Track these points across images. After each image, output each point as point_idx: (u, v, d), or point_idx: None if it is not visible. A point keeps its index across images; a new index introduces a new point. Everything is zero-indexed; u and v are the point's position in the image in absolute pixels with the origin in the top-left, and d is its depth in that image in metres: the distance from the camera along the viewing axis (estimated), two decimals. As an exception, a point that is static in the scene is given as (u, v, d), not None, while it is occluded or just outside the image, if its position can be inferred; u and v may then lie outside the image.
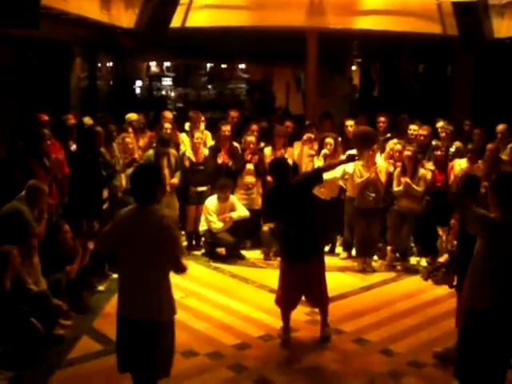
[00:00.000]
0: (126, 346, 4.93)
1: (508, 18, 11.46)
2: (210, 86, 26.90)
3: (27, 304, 6.12)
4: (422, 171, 9.28)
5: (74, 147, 9.20)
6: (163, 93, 25.45)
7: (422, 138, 9.94)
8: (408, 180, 9.14)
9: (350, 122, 10.47)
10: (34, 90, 12.37)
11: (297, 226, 6.74)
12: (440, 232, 9.48)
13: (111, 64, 19.72)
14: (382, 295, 8.46)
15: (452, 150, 10.11)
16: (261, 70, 21.81)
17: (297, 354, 6.60)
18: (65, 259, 7.25)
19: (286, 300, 6.89)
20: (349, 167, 9.49)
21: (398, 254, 9.59)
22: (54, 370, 6.02)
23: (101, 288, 8.14)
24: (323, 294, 6.94)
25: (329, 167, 7.88)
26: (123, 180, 9.26)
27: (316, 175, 7.06)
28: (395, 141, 9.84)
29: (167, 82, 26.80)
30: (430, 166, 9.47)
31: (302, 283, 6.80)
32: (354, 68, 21.71)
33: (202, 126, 10.64)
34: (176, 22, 11.59)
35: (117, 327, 4.98)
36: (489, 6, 11.37)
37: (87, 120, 10.18)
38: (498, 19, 11.55)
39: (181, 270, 5.08)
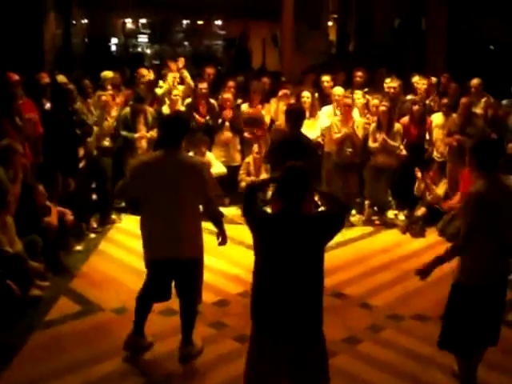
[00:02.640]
0: (164, 284, 5.44)
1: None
2: (186, 43, 26.58)
3: (2, 266, 6.09)
4: (397, 126, 9.26)
5: (47, 106, 9.06)
6: (139, 50, 25.12)
7: (392, 90, 9.90)
8: (384, 136, 9.11)
9: (326, 78, 10.41)
10: (6, 48, 12.13)
11: None
12: (418, 174, 9.44)
13: (86, 21, 19.42)
14: (360, 249, 8.51)
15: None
16: (237, 26, 21.51)
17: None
18: (39, 220, 7.18)
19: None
20: (325, 122, 9.48)
21: (376, 208, 9.63)
22: (31, 332, 6.00)
23: (78, 248, 8.11)
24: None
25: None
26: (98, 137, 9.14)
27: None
28: (359, 92, 9.85)
29: (143, 39, 26.47)
30: (404, 120, 9.47)
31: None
32: (330, 24, 21.52)
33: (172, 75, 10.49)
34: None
35: (152, 270, 5.42)
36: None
37: (61, 78, 10.01)
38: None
39: (217, 213, 5.63)
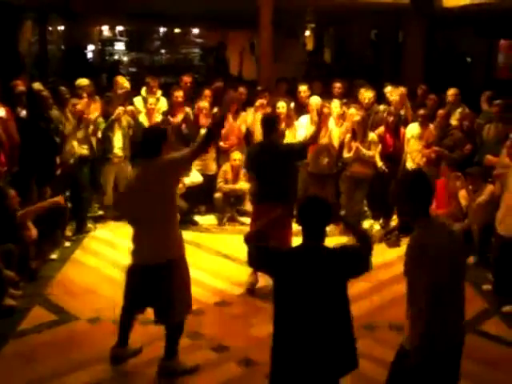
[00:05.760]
0: (143, 290, 5.37)
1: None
2: (163, 51, 26.58)
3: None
4: (371, 135, 9.31)
5: (23, 113, 8.99)
6: (116, 57, 25.04)
7: (366, 100, 9.97)
8: (358, 145, 9.14)
9: (303, 88, 10.43)
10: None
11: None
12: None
13: (62, 28, 19.31)
14: (335, 260, 8.50)
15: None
16: (215, 35, 21.56)
17: (252, 320, 6.63)
18: (14, 227, 7.09)
19: None
20: (302, 132, 9.50)
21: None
22: (4, 341, 5.95)
23: (53, 257, 8.05)
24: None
25: (312, 139, 7.96)
26: (74, 145, 9.08)
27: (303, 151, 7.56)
28: (336, 101, 9.86)
29: (120, 46, 26.40)
30: (379, 130, 9.54)
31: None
32: (307, 33, 21.58)
33: (159, 92, 10.49)
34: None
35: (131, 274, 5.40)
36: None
37: (37, 86, 9.94)
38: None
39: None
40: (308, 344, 3.94)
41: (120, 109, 9.46)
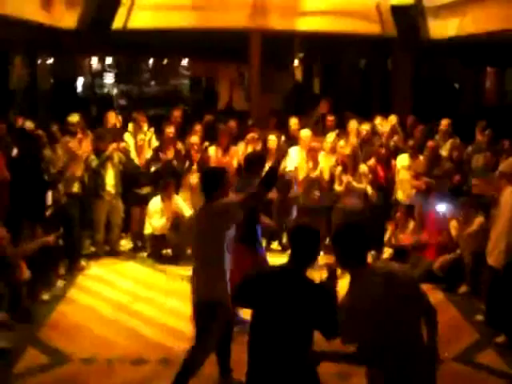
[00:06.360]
0: None
1: (442, 20, 11.78)
2: (152, 83, 26.72)
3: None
4: (362, 167, 9.38)
5: (14, 152, 9.00)
6: (106, 90, 25.12)
7: (364, 132, 10.08)
8: (349, 178, 9.21)
9: (294, 121, 10.53)
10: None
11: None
12: (388, 226, 9.60)
13: (51, 61, 19.37)
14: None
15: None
16: (203, 66, 21.66)
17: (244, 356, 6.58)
18: (5, 267, 7.06)
19: None
20: (290, 164, 9.56)
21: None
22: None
23: (45, 297, 7.95)
24: None
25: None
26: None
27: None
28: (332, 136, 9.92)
29: (109, 79, 26.50)
30: (370, 162, 9.61)
31: None
32: (296, 63, 21.72)
33: (145, 126, 10.52)
34: (118, 22, 11.48)
35: None
36: (424, 8, 11.73)
37: (29, 125, 9.97)
38: (433, 21, 11.90)
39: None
40: (271, 363, 4.02)
41: (113, 145, 9.48)
